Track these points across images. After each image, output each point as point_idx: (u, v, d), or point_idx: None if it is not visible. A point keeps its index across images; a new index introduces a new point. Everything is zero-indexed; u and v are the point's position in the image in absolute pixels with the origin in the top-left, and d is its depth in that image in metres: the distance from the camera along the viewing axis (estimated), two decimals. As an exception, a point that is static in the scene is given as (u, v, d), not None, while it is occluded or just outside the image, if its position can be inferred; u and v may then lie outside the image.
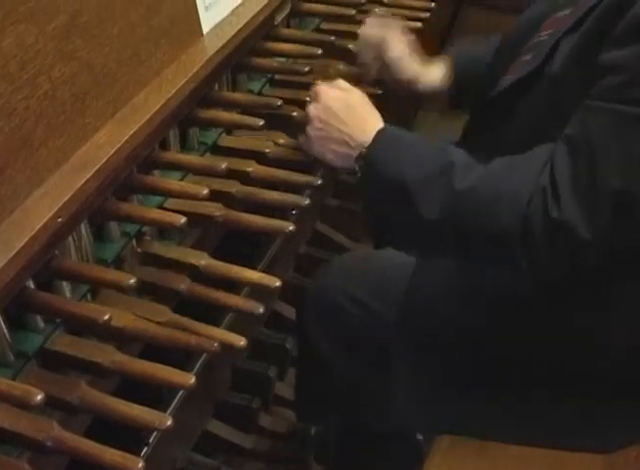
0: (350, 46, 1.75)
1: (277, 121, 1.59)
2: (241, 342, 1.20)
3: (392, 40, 1.72)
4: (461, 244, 1.33)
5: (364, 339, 1.74)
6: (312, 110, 1.47)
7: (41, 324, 1.19)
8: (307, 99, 1.52)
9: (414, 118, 3.40)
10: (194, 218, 1.32)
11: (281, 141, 1.54)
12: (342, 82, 1.52)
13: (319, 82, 1.52)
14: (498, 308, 1.45)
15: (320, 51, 1.69)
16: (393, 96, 1.60)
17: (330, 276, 1.84)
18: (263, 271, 1.36)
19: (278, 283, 1.27)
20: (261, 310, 1.24)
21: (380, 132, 1.40)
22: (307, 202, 1.40)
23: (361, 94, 1.50)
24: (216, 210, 1.35)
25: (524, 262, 1.23)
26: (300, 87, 1.69)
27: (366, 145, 1.39)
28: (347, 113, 1.44)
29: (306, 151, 1.50)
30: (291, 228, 1.34)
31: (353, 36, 1.86)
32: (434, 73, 1.75)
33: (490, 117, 1.46)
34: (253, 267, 1.33)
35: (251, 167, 1.44)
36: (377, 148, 1.39)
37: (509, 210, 1.22)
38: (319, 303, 1.80)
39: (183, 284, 1.28)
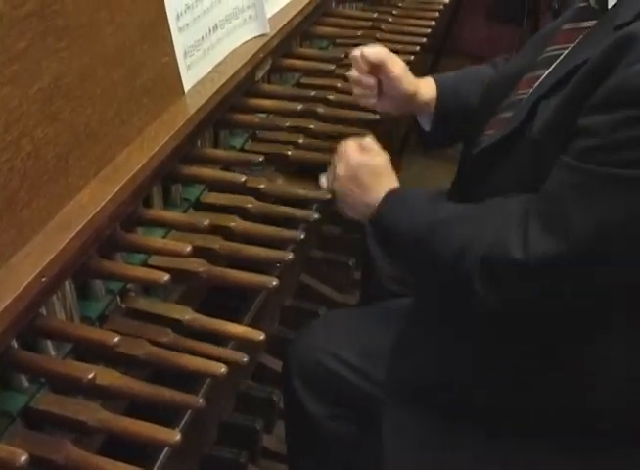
0: (348, 74, 1.77)
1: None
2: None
3: (392, 60, 1.74)
4: (429, 270, 1.44)
5: (351, 398, 1.74)
6: (341, 171, 1.57)
7: (25, 383, 1.19)
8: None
9: (400, 165, 3.45)
10: (178, 275, 1.32)
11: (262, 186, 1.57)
12: (370, 143, 1.60)
13: (347, 140, 1.61)
14: (485, 360, 1.46)
15: (300, 107, 1.71)
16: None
17: (313, 337, 1.84)
18: (249, 324, 1.37)
19: (262, 336, 1.27)
20: (245, 360, 1.25)
21: (387, 194, 1.51)
22: (290, 256, 1.41)
23: (386, 158, 1.59)
24: (200, 266, 1.36)
25: (487, 303, 1.29)
26: (282, 142, 1.72)
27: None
28: (373, 180, 1.55)
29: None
30: (274, 283, 1.34)
31: (333, 90, 1.90)
32: (428, 86, 1.79)
33: (475, 172, 1.49)
34: (239, 320, 1.34)
35: (234, 223, 1.45)
36: (384, 208, 1.51)
37: (473, 250, 1.29)
38: (303, 364, 1.79)
39: (166, 337, 1.28)
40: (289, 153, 1.68)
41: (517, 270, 1.23)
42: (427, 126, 1.83)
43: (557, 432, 1.44)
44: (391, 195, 1.51)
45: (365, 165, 1.56)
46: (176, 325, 1.31)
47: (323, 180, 1.62)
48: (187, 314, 1.32)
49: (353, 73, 1.74)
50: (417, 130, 1.89)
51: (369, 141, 1.61)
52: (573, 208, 1.18)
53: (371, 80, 1.73)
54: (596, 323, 1.36)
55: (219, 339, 1.31)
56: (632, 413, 1.43)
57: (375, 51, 1.72)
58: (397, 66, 1.73)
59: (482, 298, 1.28)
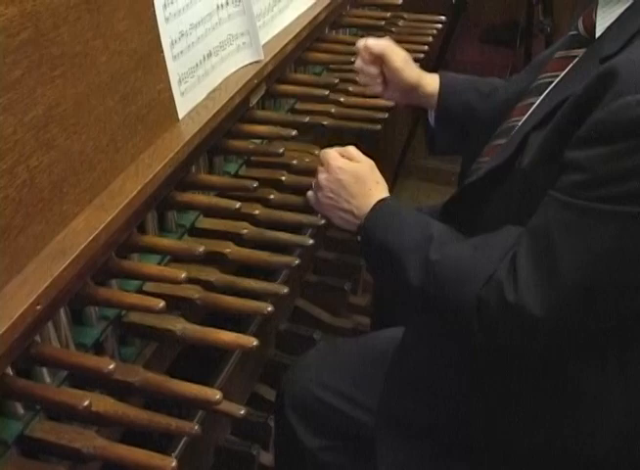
0: (355, 64, 1.85)
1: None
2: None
3: (393, 51, 1.80)
4: (430, 311, 1.40)
5: (344, 429, 1.74)
6: (323, 180, 1.55)
7: (21, 411, 1.19)
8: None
9: (393, 187, 3.46)
10: (173, 301, 1.33)
11: (257, 212, 1.57)
12: (352, 150, 1.59)
13: (328, 149, 1.60)
14: (477, 391, 1.46)
15: (294, 132, 1.72)
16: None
17: (306, 368, 1.84)
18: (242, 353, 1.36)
19: (255, 342, 1.29)
20: (242, 412, 1.26)
21: (377, 203, 1.49)
22: (286, 290, 1.42)
23: (370, 164, 1.57)
24: (195, 292, 1.37)
25: (480, 338, 1.28)
26: (276, 167, 1.72)
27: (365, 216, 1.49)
28: (356, 186, 1.52)
29: (315, 209, 1.60)
30: (269, 309, 1.35)
31: (327, 115, 1.91)
32: (432, 80, 1.83)
33: (468, 199, 1.49)
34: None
35: (229, 249, 1.46)
36: (373, 217, 1.47)
37: (467, 289, 1.27)
38: (297, 395, 1.79)
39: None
40: (283, 178, 1.69)
41: (510, 312, 1.23)
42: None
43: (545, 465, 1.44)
44: (381, 207, 1.49)
45: (346, 171, 1.54)
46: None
47: (310, 193, 1.62)
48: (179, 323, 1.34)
49: (358, 63, 1.83)
50: (425, 129, 1.93)
51: (350, 148, 1.60)
52: (562, 245, 1.18)
53: (373, 70, 1.82)
54: (590, 360, 1.35)
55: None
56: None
57: (377, 42, 1.80)
58: (398, 57, 1.80)
59: (475, 333, 1.28)
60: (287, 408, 1.80)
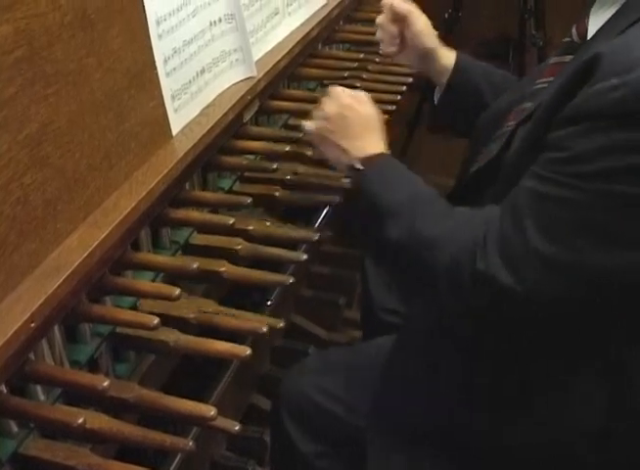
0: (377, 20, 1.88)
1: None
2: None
3: (417, 16, 1.84)
4: (404, 267, 1.41)
5: (340, 434, 1.74)
6: (329, 108, 1.58)
7: (15, 429, 1.18)
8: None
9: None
10: (167, 319, 1.33)
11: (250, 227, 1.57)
12: (362, 95, 1.62)
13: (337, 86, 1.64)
14: (468, 394, 1.46)
15: (288, 148, 1.72)
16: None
17: (303, 373, 1.85)
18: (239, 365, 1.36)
19: (248, 351, 1.29)
20: (237, 428, 1.26)
21: (379, 155, 1.51)
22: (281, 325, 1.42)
23: (376, 114, 1.59)
24: (190, 311, 1.37)
25: (448, 299, 1.29)
26: (270, 183, 1.73)
27: (360, 161, 1.49)
28: (359, 128, 1.55)
29: (309, 137, 1.63)
30: (264, 330, 1.35)
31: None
32: (449, 54, 1.86)
33: (464, 196, 1.50)
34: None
35: (224, 267, 1.45)
36: (375, 170, 1.48)
37: (444, 249, 1.28)
38: (293, 400, 1.79)
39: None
40: (277, 194, 1.70)
41: (480, 279, 1.22)
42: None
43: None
44: (382, 158, 1.51)
45: (356, 110, 1.57)
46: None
47: (308, 123, 1.63)
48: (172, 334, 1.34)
49: (380, 19, 1.86)
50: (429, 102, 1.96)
51: (362, 93, 1.63)
52: (532, 215, 1.18)
53: (393, 28, 1.85)
54: (576, 361, 1.35)
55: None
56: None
57: (403, 3, 1.84)
58: (421, 20, 1.84)
59: (444, 293, 1.28)
60: (283, 413, 1.80)
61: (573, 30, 1.37)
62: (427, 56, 1.85)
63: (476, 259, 1.23)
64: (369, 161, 1.49)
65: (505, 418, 1.42)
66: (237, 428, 1.26)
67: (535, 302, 1.22)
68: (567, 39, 1.41)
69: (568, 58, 1.38)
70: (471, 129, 1.68)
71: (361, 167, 1.49)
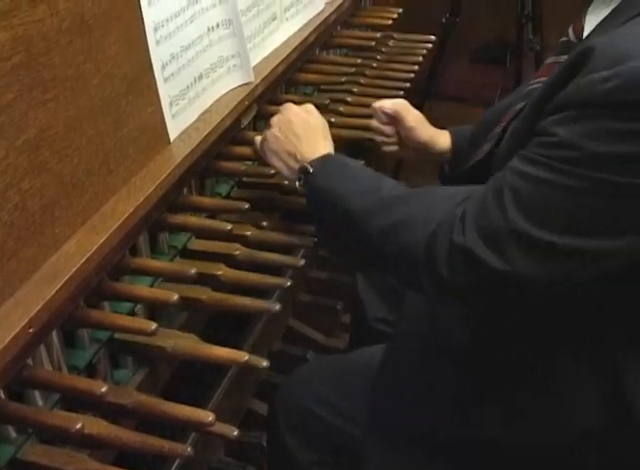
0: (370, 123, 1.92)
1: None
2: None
3: (407, 111, 1.88)
4: (379, 253, 1.38)
5: (336, 442, 1.74)
6: (275, 119, 1.63)
7: (13, 434, 1.18)
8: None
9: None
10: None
11: (248, 233, 1.57)
12: (310, 106, 1.67)
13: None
14: (461, 401, 1.46)
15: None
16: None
17: (299, 382, 1.85)
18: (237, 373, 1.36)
19: (246, 357, 1.29)
20: (235, 433, 1.26)
21: (326, 155, 1.53)
22: (278, 307, 1.41)
23: (324, 122, 1.64)
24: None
25: (425, 283, 1.28)
26: (268, 188, 1.73)
27: (309, 163, 1.51)
28: (305, 131, 1.58)
29: (259, 151, 1.66)
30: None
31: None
32: (445, 137, 1.89)
33: None
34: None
35: (221, 271, 1.46)
36: (322, 167, 1.50)
37: (419, 228, 1.29)
38: (289, 409, 1.80)
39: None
40: (275, 199, 1.70)
41: (458, 254, 1.22)
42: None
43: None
44: (331, 157, 1.53)
45: (300, 116, 1.61)
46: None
47: (257, 137, 1.68)
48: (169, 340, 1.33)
49: (374, 123, 1.91)
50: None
51: (310, 105, 1.68)
52: (513, 191, 1.19)
53: (388, 130, 1.91)
54: (564, 358, 1.36)
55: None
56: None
57: (392, 103, 1.89)
58: (412, 117, 1.87)
59: (421, 274, 1.28)
60: (279, 422, 1.80)
61: (570, 30, 1.38)
62: (424, 148, 1.88)
63: (453, 232, 1.23)
64: (320, 160, 1.51)
65: (501, 422, 1.43)
66: (235, 433, 1.26)
67: (512, 278, 1.21)
68: (563, 39, 1.42)
69: (564, 58, 1.38)
70: None
71: (311, 169, 1.50)
